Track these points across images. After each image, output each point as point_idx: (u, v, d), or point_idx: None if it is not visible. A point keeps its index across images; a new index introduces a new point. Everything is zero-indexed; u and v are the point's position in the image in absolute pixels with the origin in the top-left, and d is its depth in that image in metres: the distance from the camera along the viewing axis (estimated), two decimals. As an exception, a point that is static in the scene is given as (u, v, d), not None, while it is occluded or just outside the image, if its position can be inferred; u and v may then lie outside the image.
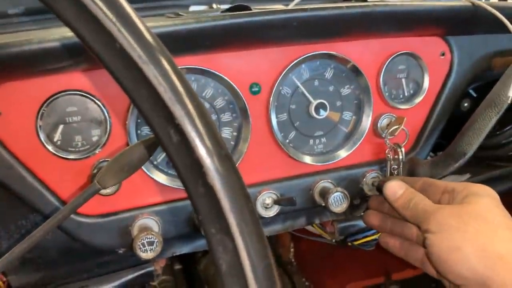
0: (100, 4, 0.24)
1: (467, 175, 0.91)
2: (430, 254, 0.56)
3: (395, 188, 0.63)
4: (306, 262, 1.20)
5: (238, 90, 0.66)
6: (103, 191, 0.54)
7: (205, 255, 1.05)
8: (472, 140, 0.68)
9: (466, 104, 0.97)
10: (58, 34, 0.54)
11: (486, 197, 0.57)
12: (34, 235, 0.41)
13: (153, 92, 0.25)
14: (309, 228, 0.85)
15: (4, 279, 0.66)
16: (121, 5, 0.25)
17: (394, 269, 1.19)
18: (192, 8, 0.81)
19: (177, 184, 0.66)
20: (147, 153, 0.41)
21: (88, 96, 0.61)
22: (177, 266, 1.07)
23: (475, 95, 0.97)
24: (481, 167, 0.92)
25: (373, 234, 0.81)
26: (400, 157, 0.71)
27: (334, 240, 0.83)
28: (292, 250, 1.22)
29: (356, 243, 0.82)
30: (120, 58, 0.25)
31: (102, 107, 0.62)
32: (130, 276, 0.75)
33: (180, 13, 0.71)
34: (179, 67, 0.28)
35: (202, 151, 0.26)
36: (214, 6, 0.80)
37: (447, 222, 0.55)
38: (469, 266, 0.51)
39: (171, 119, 0.26)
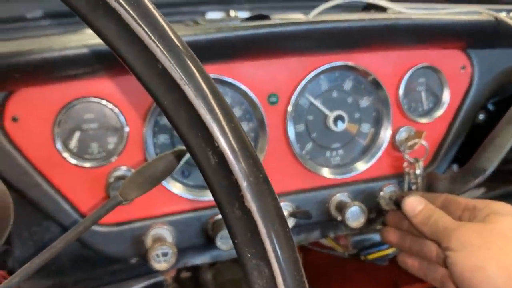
0: (143, 24, 0.23)
1: (483, 190, 0.90)
2: (452, 273, 0.54)
3: (414, 204, 0.62)
4: (313, 273, 1.18)
5: (256, 100, 0.65)
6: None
7: (213, 265, 1.04)
8: (492, 156, 0.67)
9: (481, 117, 0.96)
10: (79, 41, 0.54)
11: (508, 216, 0.56)
12: (54, 246, 0.40)
13: (193, 114, 0.25)
14: (321, 239, 0.84)
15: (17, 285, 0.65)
16: (163, 26, 0.24)
17: (403, 283, 1.17)
18: (209, 15, 0.80)
19: (192, 194, 0.66)
20: (172, 166, 0.40)
21: (106, 103, 0.60)
22: (184, 275, 1.06)
23: (491, 108, 0.96)
24: (497, 181, 0.90)
25: (387, 249, 0.80)
26: (418, 171, 0.70)
27: (346, 254, 0.82)
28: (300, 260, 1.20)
29: (369, 257, 0.80)
30: (161, 79, 0.24)
31: (120, 115, 0.61)
32: (140, 285, 0.74)
33: (198, 21, 0.71)
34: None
35: (240, 174, 0.25)
36: (232, 13, 0.79)
37: (469, 240, 0.54)
38: (494, 286, 0.50)
39: (210, 141, 0.25)
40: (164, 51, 0.24)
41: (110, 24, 0.24)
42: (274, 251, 0.26)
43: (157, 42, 0.24)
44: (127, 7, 0.24)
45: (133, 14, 0.24)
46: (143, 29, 0.24)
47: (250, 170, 0.26)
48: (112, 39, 0.24)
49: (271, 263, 0.26)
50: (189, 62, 0.25)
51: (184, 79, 0.25)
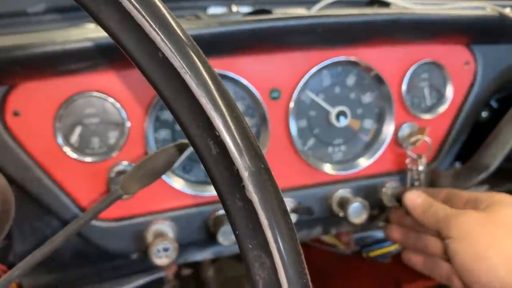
0: (144, 12, 0.23)
1: (486, 187, 0.89)
2: (454, 263, 0.54)
3: (414, 197, 0.62)
4: (314, 270, 1.18)
5: (257, 95, 0.65)
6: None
7: (215, 261, 1.03)
8: (496, 153, 0.67)
9: (484, 114, 0.95)
10: (81, 35, 0.54)
11: (511, 206, 0.55)
12: (55, 239, 0.40)
13: (194, 103, 0.24)
14: (323, 236, 0.83)
15: (17, 279, 0.65)
16: (164, 14, 0.24)
17: (405, 281, 1.17)
18: (211, 10, 0.79)
19: (193, 189, 0.65)
20: (173, 159, 0.40)
21: (107, 98, 0.60)
22: (185, 272, 1.06)
23: (494, 105, 0.95)
24: (501, 178, 0.90)
25: (389, 246, 0.80)
26: (421, 168, 0.69)
27: (349, 251, 0.82)
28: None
29: (371, 254, 0.80)
30: (162, 68, 0.24)
31: (121, 109, 0.61)
32: (141, 281, 0.74)
33: (200, 16, 0.70)
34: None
35: (242, 164, 0.25)
36: (234, 8, 0.79)
37: (471, 229, 0.53)
38: (496, 276, 0.50)
39: (211, 131, 0.25)
40: (164, 39, 0.24)
41: (111, 12, 0.24)
42: (276, 242, 0.25)
43: (157, 30, 0.24)
44: (127, -5, 0.23)
45: (134, 2, 0.24)
46: (143, 16, 0.24)
47: (251, 160, 0.25)
48: (112, 27, 0.24)
49: (272, 255, 0.25)
50: (190, 51, 0.25)
51: (185, 67, 0.24)
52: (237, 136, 0.25)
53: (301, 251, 0.27)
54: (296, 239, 0.26)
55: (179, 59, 0.24)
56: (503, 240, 0.52)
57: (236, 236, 0.26)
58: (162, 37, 0.24)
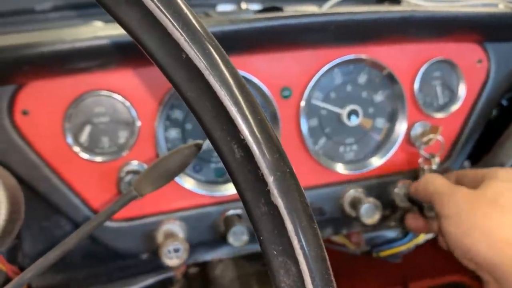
0: (167, 12, 0.22)
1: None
2: (446, 241, 0.55)
3: None
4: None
5: (268, 93, 0.64)
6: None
7: (222, 260, 1.03)
8: (510, 152, 0.66)
9: (493, 112, 0.94)
10: (90, 33, 0.53)
11: (504, 182, 0.54)
12: (68, 241, 0.40)
13: (217, 106, 0.23)
14: (332, 236, 0.83)
15: (26, 281, 0.64)
16: (186, 13, 0.23)
17: (412, 279, 1.16)
18: (220, 7, 0.79)
19: (204, 189, 0.65)
20: (187, 160, 0.39)
21: (117, 96, 0.59)
22: (193, 270, 1.05)
23: (504, 103, 0.94)
24: None
25: (399, 246, 0.79)
26: (434, 167, 0.69)
27: (358, 251, 0.81)
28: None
29: (382, 254, 0.79)
30: (185, 69, 0.23)
31: (131, 108, 0.60)
32: (149, 281, 0.74)
33: (209, 13, 0.69)
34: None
35: (267, 168, 0.24)
36: (243, 5, 0.78)
37: (460, 207, 0.54)
38: (478, 253, 0.50)
39: (236, 134, 0.24)
40: (188, 39, 0.23)
41: (132, 11, 0.23)
42: (302, 248, 0.25)
43: (181, 31, 0.23)
44: (150, -7, 0.23)
45: (156, 1, 0.23)
46: (166, 16, 0.23)
47: (277, 164, 0.25)
48: (133, 26, 0.23)
49: (298, 261, 0.25)
50: (214, 52, 0.24)
51: (209, 69, 0.24)
52: (261, 140, 0.24)
53: (327, 257, 0.26)
54: (322, 245, 0.26)
55: (203, 60, 0.24)
56: (485, 215, 0.51)
57: (260, 241, 0.26)
58: (186, 37, 0.23)
